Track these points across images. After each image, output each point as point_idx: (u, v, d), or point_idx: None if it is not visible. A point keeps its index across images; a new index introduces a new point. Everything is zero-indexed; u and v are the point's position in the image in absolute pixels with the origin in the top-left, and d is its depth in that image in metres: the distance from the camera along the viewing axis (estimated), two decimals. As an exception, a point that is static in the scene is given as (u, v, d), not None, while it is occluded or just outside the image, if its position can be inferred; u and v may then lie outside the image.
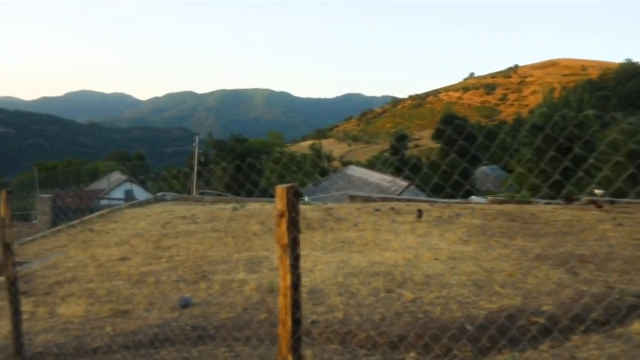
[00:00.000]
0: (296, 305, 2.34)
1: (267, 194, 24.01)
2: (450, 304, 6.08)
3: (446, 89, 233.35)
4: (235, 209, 16.32)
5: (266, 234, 12.32)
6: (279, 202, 2.30)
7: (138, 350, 5.52)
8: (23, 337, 4.10)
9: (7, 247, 3.95)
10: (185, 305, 6.77)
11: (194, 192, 29.39)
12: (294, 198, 2.27)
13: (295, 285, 2.34)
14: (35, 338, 6.06)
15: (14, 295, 3.96)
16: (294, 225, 2.30)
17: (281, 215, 2.29)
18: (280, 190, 2.29)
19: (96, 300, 7.57)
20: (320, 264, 8.51)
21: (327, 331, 5.47)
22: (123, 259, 10.55)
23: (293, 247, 2.32)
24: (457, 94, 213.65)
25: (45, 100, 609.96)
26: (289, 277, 2.33)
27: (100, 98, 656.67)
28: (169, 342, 5.62)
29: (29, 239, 15.25)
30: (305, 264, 8.46)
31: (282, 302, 2.38)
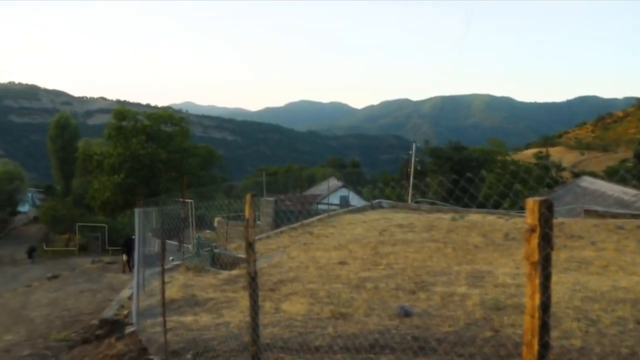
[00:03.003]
0: (544, 327, 2.23)
1: (486, 206, 23.24)
2: None
3: None
4: (453, 219, 16.12)
5: (488, 247, 11.91)
6: (530, 216, 2.21)
7: (358, 354, 5.73)
8: (259, 329, 4.54)
9: (250, 245, 4.42)
10: (406, 314, 6.87)
11: (409, 200, 29.71)
12: (547, 212, 2.17)
13: (545, 306, 2.23)
14: (262, 330, 6.69)
15: (254, 289, 4.41)
16: (546, 242, 2.19)
17: (532, 230, 2.21)
18: (532, 203, 2.20)
19: (317, 301, 8.06)
20: (552, 283, 7.96)
21: (562, 358, 5.12)
22: (342, 262, 11.08)
23: (544, 265, 2.22)
24: None
25: (268, 111, 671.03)
26: (537, 297, 2.23)
27: (318, 107, 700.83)
28: (389, 349, 5.74)
29: (255, 238, 16.81)
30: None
31: (528, 323, 2.28)
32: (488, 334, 5.96)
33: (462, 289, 8.07)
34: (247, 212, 4.45)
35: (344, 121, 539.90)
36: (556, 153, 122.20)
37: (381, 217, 18.48)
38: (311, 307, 7.74)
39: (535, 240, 2.20)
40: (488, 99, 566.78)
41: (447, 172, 54.41)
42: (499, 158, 64.97)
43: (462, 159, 56.96)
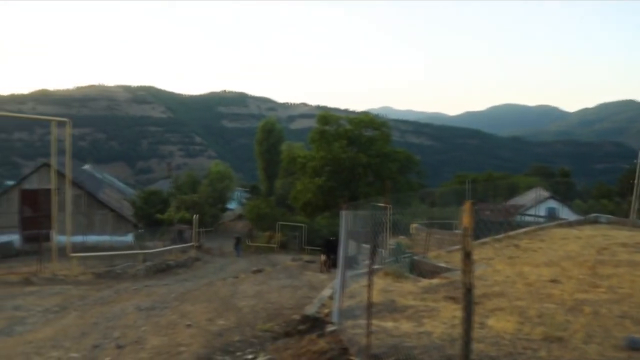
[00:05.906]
0: None
1: None
2: None
3: None
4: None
5: None
6: None
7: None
8: (472, 343, 4.43)
9: (467, 255, 4.35)
10: (635, 346, 6.23)
11: (633, 216, 26.80)
12: None
13: None
14: (469, 345, 6.52)
15: (469, 301, 4.32)
16: None
17: None
18: None
19: (526, 320, 7.67)
20: None
21: None
22: (553, 281, 10.40)
23: None
24: None
25: (468, 115, 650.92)
26: None
27: (524, 111, 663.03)
28: (613, 384, 5.28)
29: (455, 247, 16.42)
30: None
31: None
32: None
33: None
34: (465, 221, 4.39)
35: (553, 126, 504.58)
36: None
37: (599, 234, 16.96)
38: (520, 326, 7.39)
39: None
40: None
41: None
42: None
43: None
